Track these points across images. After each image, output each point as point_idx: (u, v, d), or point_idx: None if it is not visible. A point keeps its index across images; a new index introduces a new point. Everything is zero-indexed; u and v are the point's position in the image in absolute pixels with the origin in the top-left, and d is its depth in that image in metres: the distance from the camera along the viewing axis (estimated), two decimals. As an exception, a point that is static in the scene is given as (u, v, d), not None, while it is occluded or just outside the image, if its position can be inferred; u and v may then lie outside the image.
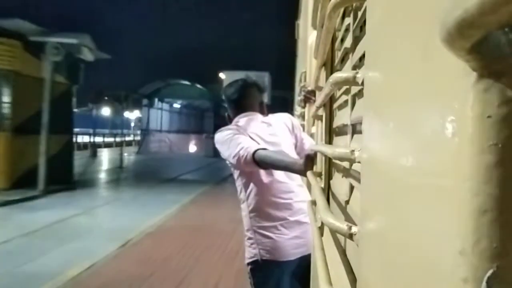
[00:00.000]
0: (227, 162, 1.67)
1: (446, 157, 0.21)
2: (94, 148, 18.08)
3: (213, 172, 12.32)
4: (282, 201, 1.64)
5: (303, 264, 1.53)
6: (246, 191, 1.68)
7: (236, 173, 1.72)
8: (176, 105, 25.15)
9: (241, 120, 1.75)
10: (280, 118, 1.83)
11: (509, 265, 0.19)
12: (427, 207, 0.24)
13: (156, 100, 21.02)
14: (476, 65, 0.18)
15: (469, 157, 0.19)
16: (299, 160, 1.38)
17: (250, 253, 1.67)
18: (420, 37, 0.25)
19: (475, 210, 0.19)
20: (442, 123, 0.21)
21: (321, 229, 0.95)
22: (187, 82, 19.95)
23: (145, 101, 20.35)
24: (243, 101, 1.81)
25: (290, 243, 1.61)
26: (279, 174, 1.65)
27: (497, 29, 0.16)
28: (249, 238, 1.68)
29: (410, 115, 0.29)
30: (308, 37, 1.85)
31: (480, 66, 0.18)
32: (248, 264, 1.68)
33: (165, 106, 23.05)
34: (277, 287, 1.61)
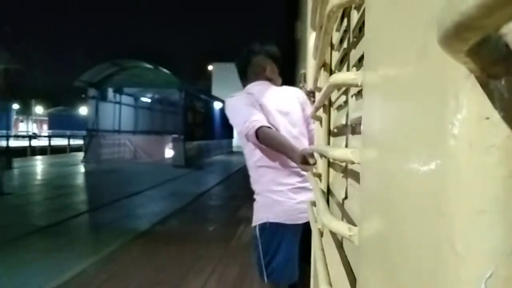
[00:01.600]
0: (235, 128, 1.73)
1: (444, 158, 0.21)
2: (7, 156, 12.14)
3: (168, 198, 7.33)
4: (291, 168, 1.68)
5: (308, 229, 1.59)
6: (255, 158, 1.72)
7: (245, 140, 1.74)
8: (145, 99, 19.00)
9: (254, 88, 1.78)
10: (292, 91, 1.86)
11: (508, 266, 0.19)
12: (426, 208, 0.24)
13: (111, 91, 15.33)
14: (474, 67, 0.18)
15: (468, 158, 0.20)
16: (297, 149, 1.43)
17: (258, 216, 1.73)
18: (418, 38, 0.25)
19: (474, 211, 0.19)
20: (440, 124, 0.21)
21: (320, 229, 0.95)
22: (148, 65, 14.19)
23: (92, 92, 14.43)
24: (247, 69, 1.83)
25: (298, 207, 1.66)
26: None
27: (495, 31, 0.16)
28: (259, 202, 1.74)
29: (408, 116, 0.29)
30: (308, 38, 1.86)
31: (478, 68, 0.18)
32: (256, 226, 1.73)
33: (126, 99, 17.00)
34: (281, 247, 1.66)
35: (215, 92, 27.37)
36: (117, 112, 16.39)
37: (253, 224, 1.75)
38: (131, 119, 17.77)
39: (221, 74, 31.29)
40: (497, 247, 0.19)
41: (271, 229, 1.68)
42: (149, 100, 19.32)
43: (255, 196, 1.78)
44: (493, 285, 0.19)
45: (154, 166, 13.34)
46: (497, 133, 0.19)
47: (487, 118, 0.19)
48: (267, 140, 1.53)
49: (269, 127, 1.55)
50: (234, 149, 23.12)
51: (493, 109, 0.18)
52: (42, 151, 18.25)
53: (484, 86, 0.18)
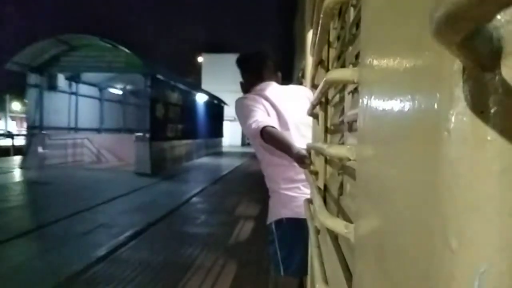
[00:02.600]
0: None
1: (440, 154, 0.21)
2: None
3: (86, 238, 3.92)
4: None
5: None
6: (267, 157, 1.77)
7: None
8: (115, 90, 15.08)
9: (263, 87, 1.84)
10: (299, 89, 1.94)
11: (502, 262, 0.19)
12: (421, 204, 0.24)
13: (63, 78, 11.52)
14: (468, 60, 0.18)
15: (463, 153, 0.19)
16: (295, 148, 1.44)
17: (275, 213, 1.76)
18: (414, 36, 0.25)
19: (469, 206, 0.19)
20: (436, 119, 0.21)
21: (317, 226, 0.95)
22: (105, 44, 10.53)
23: (33, 79, 10.85)
24: (262, 70, 1.92)
25: None
26: (298, 141, 1.70)
27: (487, 22, 0.16)
28: (274, 199, 1.79)
29: (404, 112, 0.29)
30: (307, 35, 1.87)
31: (472, 61, 0.18)
32: (271, 223, 1.76)
33: (87, 89, 13.27)
34: (298, 241, 1.68)
35: (205, 85, 24.20)
36: (73, 104, 12.70)
37: (269, 221, 1.79)
38: (95, 114, 14.02)
39: (212, 66, 28.12)
40: (491, 243, 0.19)
41: (288, 225, 1.71)
42: (119, 92, 15.42)
43: (270, 194, 1.83)
44: (487, 280, 0.19)
45: (113, 173, 9.94)
46: (493, 127, 0.19)
47: (482, 112, 0.19)
48: (270, 140, 1.58)
49: (272, 127, 1.59)
50: (225, 149, 20.40)
51: (488, 103, 0.18)
52: (3, 151, 14.22)
53: (479, 79, 0.18)
